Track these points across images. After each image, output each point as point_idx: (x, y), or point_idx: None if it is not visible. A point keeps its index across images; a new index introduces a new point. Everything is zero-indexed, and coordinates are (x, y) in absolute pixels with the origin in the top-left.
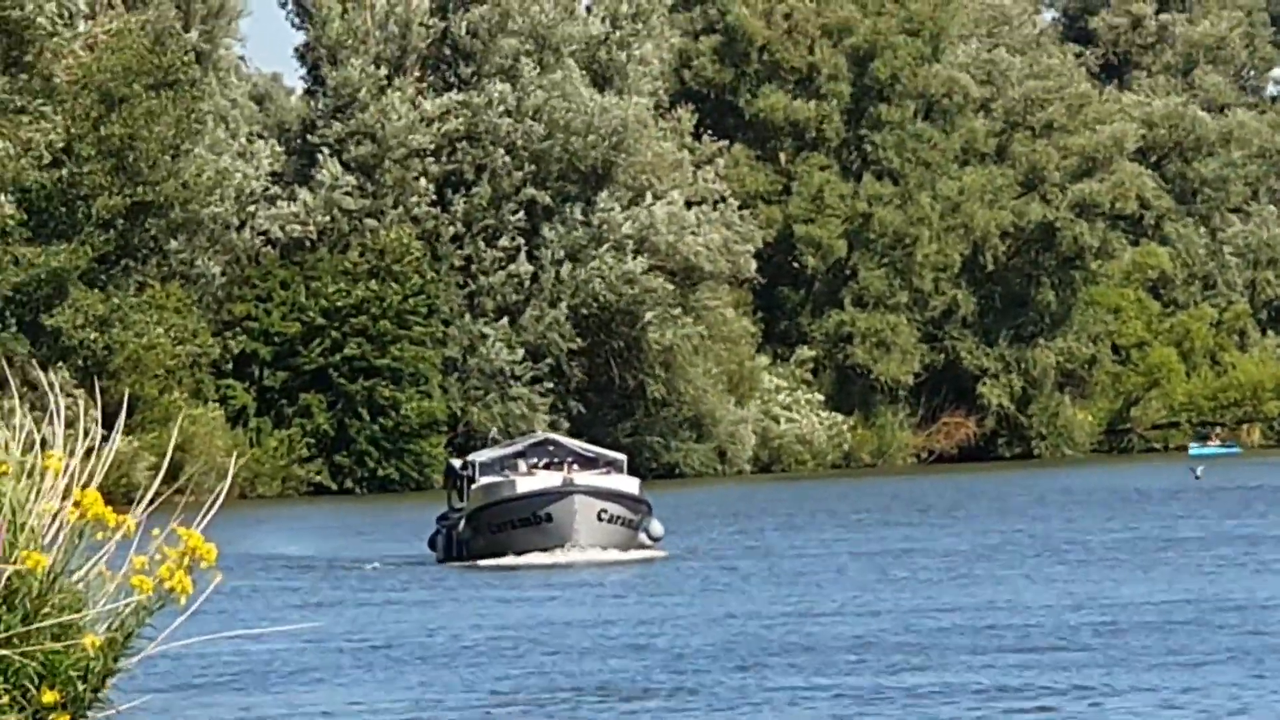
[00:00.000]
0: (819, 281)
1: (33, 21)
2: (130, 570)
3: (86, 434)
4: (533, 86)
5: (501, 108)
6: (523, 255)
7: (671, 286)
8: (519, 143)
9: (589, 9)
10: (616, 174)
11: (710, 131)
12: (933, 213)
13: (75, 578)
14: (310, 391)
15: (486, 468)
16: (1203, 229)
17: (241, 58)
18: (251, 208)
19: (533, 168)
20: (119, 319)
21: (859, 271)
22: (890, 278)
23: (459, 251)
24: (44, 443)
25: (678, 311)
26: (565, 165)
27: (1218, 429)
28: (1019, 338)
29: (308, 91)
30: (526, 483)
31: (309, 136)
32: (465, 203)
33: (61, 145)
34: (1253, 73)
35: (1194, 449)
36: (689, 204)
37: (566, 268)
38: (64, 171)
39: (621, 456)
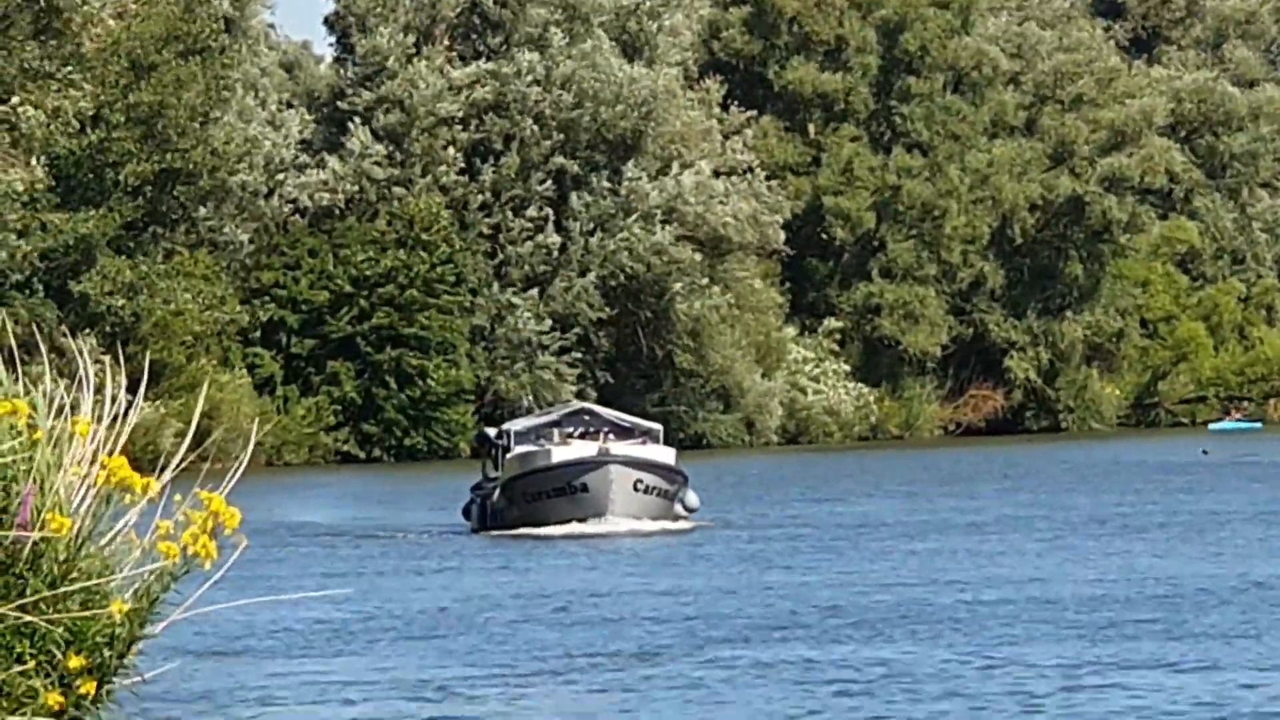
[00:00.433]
0: (847, 253)
1: None
2: (155, 535)
3: (113, 400)
4: (561, 56)
5: (530, 77)
6: (550, 225)
7: (699, 257)
8: (547, 112)
9: None
10: (645, 144)
11: (739, 103)
12: (961, 185)
13: (102, 543)
14: (338, 360)
15: (522, 436)
16: (1231, 203)
17: (271, 25)
18: (280, 176)
19: (561, 137)
20: (147, 286)
21: (887, 243)
22: (918, 250)
23: (486, 220)
24: (72, 409)
25: (706, 282)
26: (594, 135)
27: (1244, 404)
28: (1047, 311)
29: (337, 60)
30: (562, 452)
31: (338, 104)
32: (493, 172)
33: (91, 112)
34: None
35: (1213, 425)
36: (716, 174)
37: (595, 238)
38: (93, 138)
39: (658, 426)
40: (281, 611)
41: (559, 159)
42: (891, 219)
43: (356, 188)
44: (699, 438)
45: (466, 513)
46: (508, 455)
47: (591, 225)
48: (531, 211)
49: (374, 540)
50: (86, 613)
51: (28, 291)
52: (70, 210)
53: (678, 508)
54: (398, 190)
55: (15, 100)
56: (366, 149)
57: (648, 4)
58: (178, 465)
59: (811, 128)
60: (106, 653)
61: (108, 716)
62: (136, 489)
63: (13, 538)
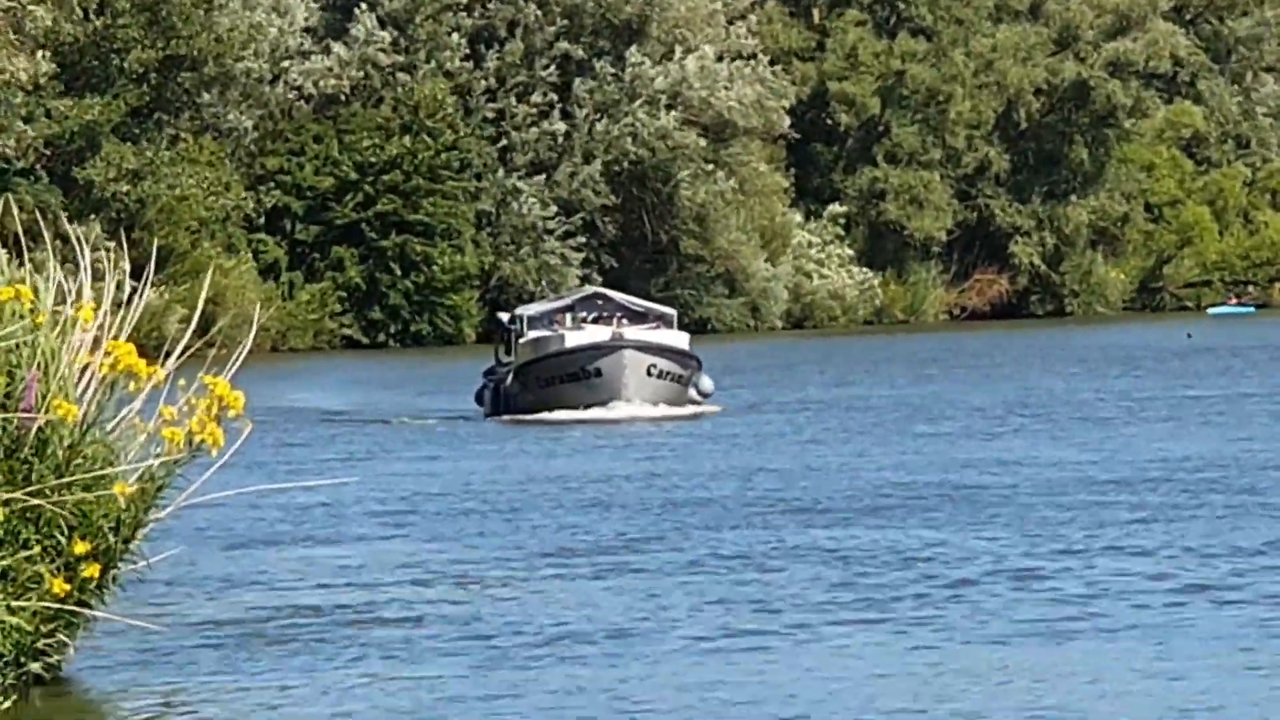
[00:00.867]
0: (852, 138)
1: None
2: (160, 421)
3: (118, 286)
4: None
5: None
6: (556, 112)
7: (704, 142)
8: None
9: None
10: (649, 29)
11: None
12: (966, 70)
13: (107, 429)
14: (342, 246)
15: (534, 321)
16: (1236, 88)
17: None
18: (285, 62)
19: (565, 23)
20: (151, 172)
21: (892, 128)
22: (923, 135)
23: (491, 105)
24: (77, 295)
25: (710, 167)
26: (598, 20)
27: (1249, 288)
28: (1052, 195)
29: None
30: (575, 337)
31: None
32: (498, 58)
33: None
34: None
35: (1212, 310)
36: (720, 59)
37: (600, 123)
38: (97, 25)
39: (671, 311)
40: (289, 496)
41: (563, 44)
42: (896, 104)
43: (361, 74)
44: (704, 323)
45: (479, 398)
46: (520, 340)
47: (596, 111)
48: (536, 97)
49: (385, 425)
50: (91, 496)
51: (32, 178)
52: (75, 97)
53: (691, 393)
54: (402, 77)
55: None
56: (371, 35)
57: None
58: (183, 351)
59: (816, 12)
60: (111, 538)
61: (112, 601)
62: (142, 375)
63: (17, 422)
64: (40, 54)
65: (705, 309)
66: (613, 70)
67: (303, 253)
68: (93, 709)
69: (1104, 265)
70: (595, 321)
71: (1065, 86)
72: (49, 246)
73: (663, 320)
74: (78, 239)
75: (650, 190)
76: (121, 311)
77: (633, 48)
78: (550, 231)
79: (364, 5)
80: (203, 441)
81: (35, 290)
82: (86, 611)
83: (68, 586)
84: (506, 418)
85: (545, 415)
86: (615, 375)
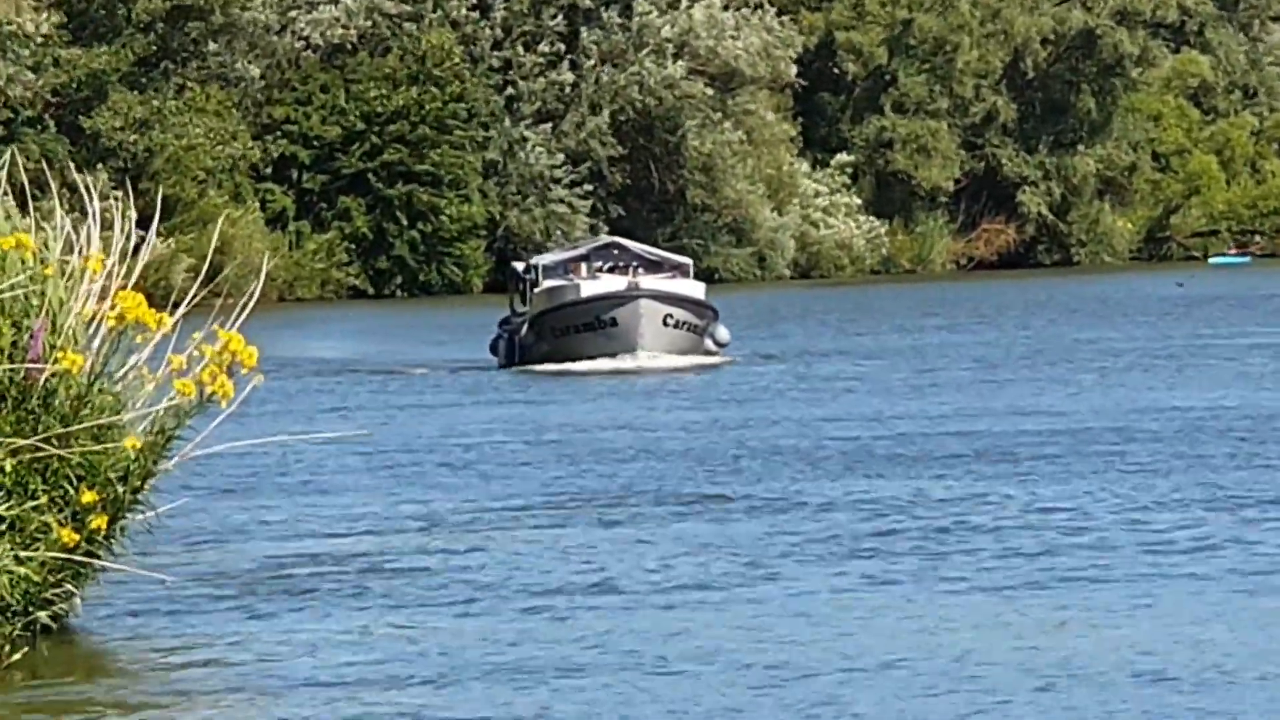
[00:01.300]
0: (859, 87)
1: None
2: (168, 370)
3: (125, 235)
4: None
5: None
6: (565, 63)
7: (711, 91)
8: None
9: None
10: None
11: None
12: (973, 19)
13: (115, 379)
14: (349, 196)
15: (550, 271)
16: (1243, 37)
17: None
18: (292, 12)
19: None
20: (159, 121)
21: (899, 77)
22: (930, 84)
23: (498, 55)
24: (84, 244)
25: (718, 116)
26: None
27: (1256, 237)
28: (1059, 145)
29: None
30: (591, 286)
31: None
32: (505, 8)
33: None
34: None
35: (1212, 259)
36: (727, 7)
37: (606, 73)
38: None
39: (688, 261)
40: (299, 446)
41: None
42: (903, 53)
43: (369, 23)
44: (711, 272)
45: (494, 348)
46: (535, 290)
47: (603, 60)
48: (543, 47)
49: (399, 376)
50: (99, 446)
51: (39, 127)
52: (82, 46)
53: (708, 343)
54: (409, 26)
55: None
56: None
57: None
58: (190, 300)
59: None
60: (119, 488)
61: (120, 551)
62: (151, 327)
63: (25, 372)
64: (47, 4)
65: (712, 258)
66: (620, 19)
67: (310, 202)
68: (100, 659)
69: (1111, 215)
70: (611, 271)
71: (1072, 35)
72: (55, 196)
73: (679, 270)
74: (85, 188)
75: (657, 140)
76: (128, 261)
77: None
78: (557, 181)
79: None
80: (213, 393)
81: (44, 241)
82: (94, 561)
83: (76, 536)
84: (521, 368)
85: (561, 365)
86: (631, 325)
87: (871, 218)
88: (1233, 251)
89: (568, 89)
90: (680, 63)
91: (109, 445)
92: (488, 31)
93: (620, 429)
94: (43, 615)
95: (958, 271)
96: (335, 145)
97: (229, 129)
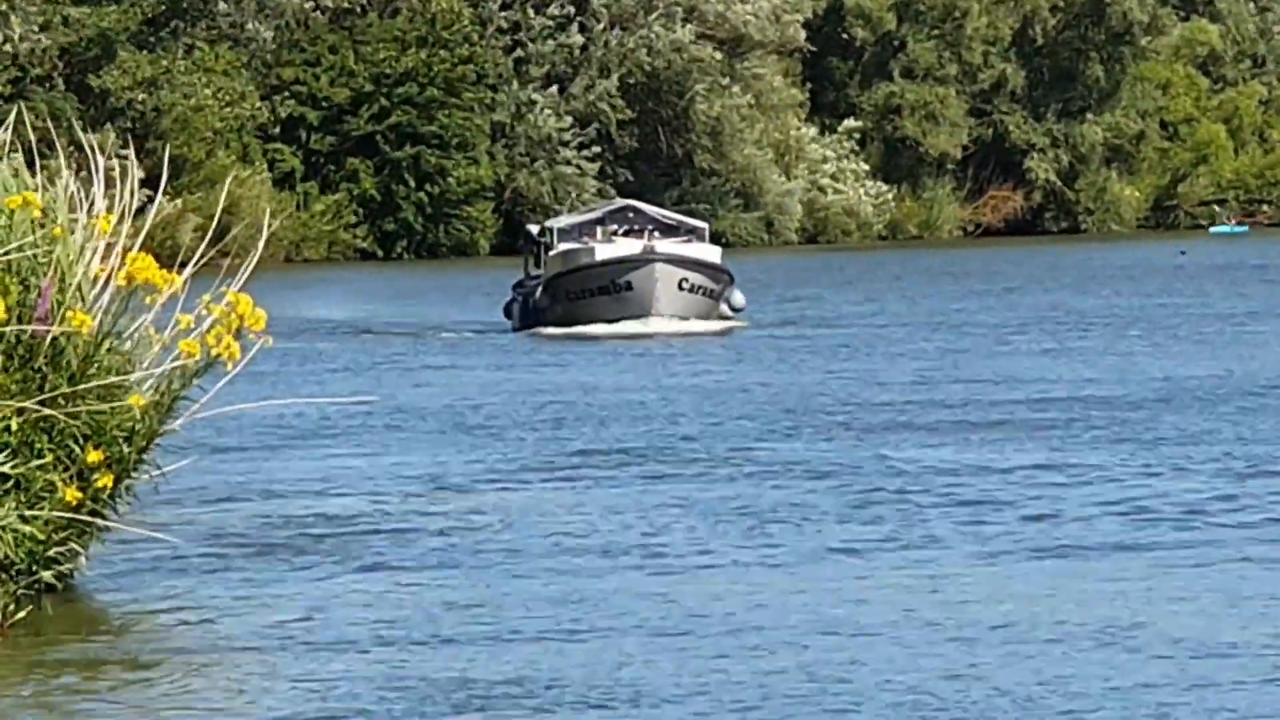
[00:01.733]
0: (868, 52)
1: None
2: (175, 329)
3: (132, 195)
4: None
5: None
6: (574, 25)
7: (720, 55)
8: None
9: None
10: None
11: None
12: None
13: (123, 338)
14: (357, 157)
15: (565, 234)
16: (1253, 6)
17: None
18: None
19: None
20: (167, 81)
21: (908, 43)
22: (939, 50)
23: (507, 17)
24: (90, 203)
25: (726, 81)
26: None
27: (1264, 206)
28: (1067, 112)
29: None
30: (606, 250)
31: None
32: None
33: None
34: None
35: (1214, 228)
36: None
37: (616, 36)
38: None
39: (704, 224)
40: (308, 407)
41: None
42: (912, 19)
43: None
44: (719, 236)
45: (508, 311)
46: (550, 253)
47: (612, 23)
48: (553, 10)
49: (413, 338)
50: (105, 405)
51: (48, 85)
52: (91, 5)
53: (723, 307)
54: None
55: None
56: None
57: None
58: (198, 261)
59: None
60: (125, 448)
61: (126, 511)
62: (160, 288)
63: (32, 331)
64: None
65: (720, 223)
66: None
67: (318, 163)
68: (105, 618)
69: (1119, 183)
70: (626, 234)
71: (1082, 3)
72: (62, 155)
73: (695, 233)
74: (91, 148)
75: (666, 103)
76: (136, 221)
77: None
78: (565, 144)
79: None
80: (219, 355)
81: (51, 200)
82: (99, 520)
83: (81, 495)
84: (536, 331)
85: (575, 329)
86: (646, 289)
87: (879, 183)
88: (1233, 221)
89: (577, 52)
90: (689, 26)
91: (115, 405)
92: None
93: (634, 391)
94: (47, 574)
95: (964, 238)
96: (344, 106)
97: (237, 89)
